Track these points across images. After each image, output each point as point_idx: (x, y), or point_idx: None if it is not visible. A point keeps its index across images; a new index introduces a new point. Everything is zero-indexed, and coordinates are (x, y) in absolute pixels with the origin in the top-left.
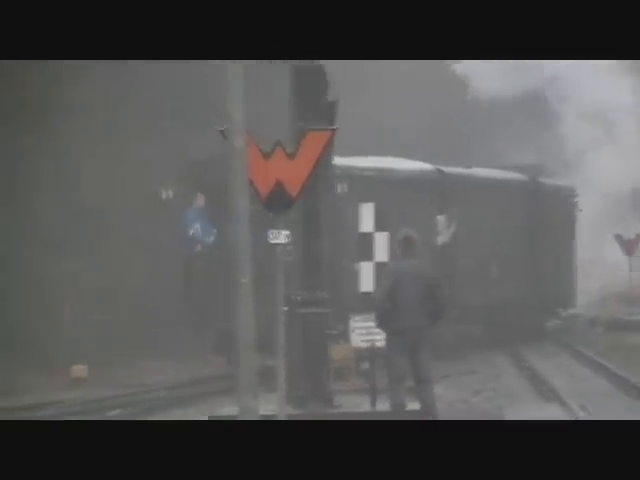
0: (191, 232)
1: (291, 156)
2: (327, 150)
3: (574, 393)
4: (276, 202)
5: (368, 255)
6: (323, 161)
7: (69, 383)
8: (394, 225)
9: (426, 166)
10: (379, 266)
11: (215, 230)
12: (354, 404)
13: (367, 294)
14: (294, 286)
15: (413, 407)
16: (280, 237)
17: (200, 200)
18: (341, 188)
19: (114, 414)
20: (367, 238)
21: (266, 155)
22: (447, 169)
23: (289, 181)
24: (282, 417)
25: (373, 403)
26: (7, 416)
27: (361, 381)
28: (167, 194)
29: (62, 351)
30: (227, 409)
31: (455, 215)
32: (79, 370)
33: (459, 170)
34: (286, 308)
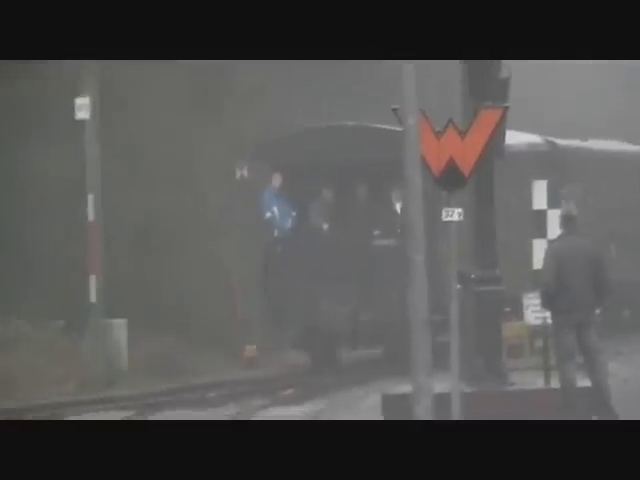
0: (268, 215)
1: (463, 134)
2: (499, 128)
3: None
4: (449, 180)
5: (541, 232)
6: (496, 139)
7: (242, 363)
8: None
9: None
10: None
11: (294, 213)
12: (528, 382)
13: (540, 271)
14: (468, 264)
15: (584, 384)
16: (453, 215)
17: (276, 180)
18: (511, 165)
19: (287, 394)
20: (540, 215)
21: (439, 134)
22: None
23: (462, 159)
24: (456, 395)
25: (547, 381)
26: (182, 396)
27: (535, 359)
28: (242, 173)
29: (236, 332)
30: (401, 387)
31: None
32: (251, 350)
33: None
34: (460, 286)
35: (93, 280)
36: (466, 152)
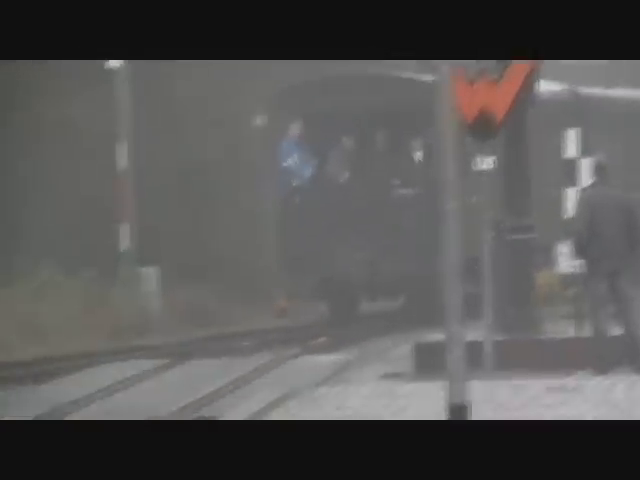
0: (286, 164)
1: (497, 82)
2: (532, 77)
3: None
4: (481, 128)
5: (573, 181)
6: (528, 87)
7: (274, 312)
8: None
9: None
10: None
11: (313, 163)
12: (560, 330)
13: (572, 220)
14: (501, 212)
15: (616, 333)
16: (486, 163)
17: (296, 129)
18: (543, 113)
19: (317, 342)
20: (571, 164)
21: (472, 82)
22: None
23: (494, 107)
24: (488, 344)
25: (578, 329)
26: (215, 345)
27: (567, 307)
28: (260, 121)
29: (268, 284)
30: (434, 336)
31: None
32: (283, 300)
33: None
34: (492, 235)
35: (125, 228)
36: (499, 100)
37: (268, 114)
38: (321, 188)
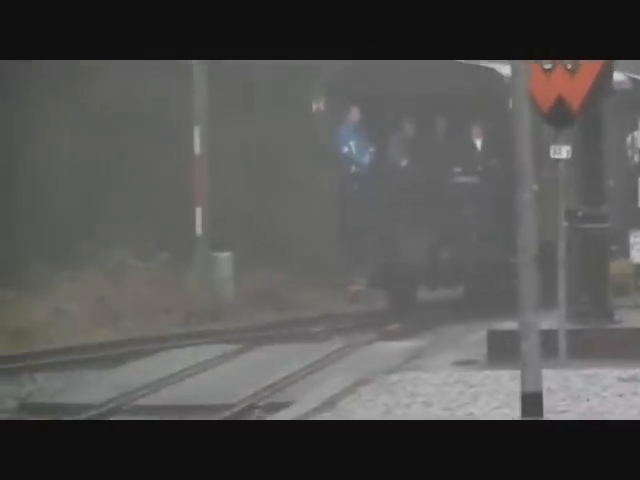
0: (345, 150)
1: (572, 72)
2: (608, 66)
3: None
4: (557, 117)
5: None
6: (604, 76)
7: (346, 298)
8: None
9: None
10: None
11: (372, 149)
12: (633, 320)
13: None
14: (575, 201)
15: None
16: (562, 152)
17: (355, 114)
18: (619, 102)
19: (391, 328)
20: None
21: (548, 71)
22: None
23: (570, 96)
24: (562, 332)
25: None
26: (288, 330)
27: None
28: (318, 106)
29: (339, 269)
30: (507, 324)
31: None
32: (355, 287)
33: None
34: (567, 223)
35: (199, 213)
36: (575, 89)
37: (326, 98)
38: (380, 174)
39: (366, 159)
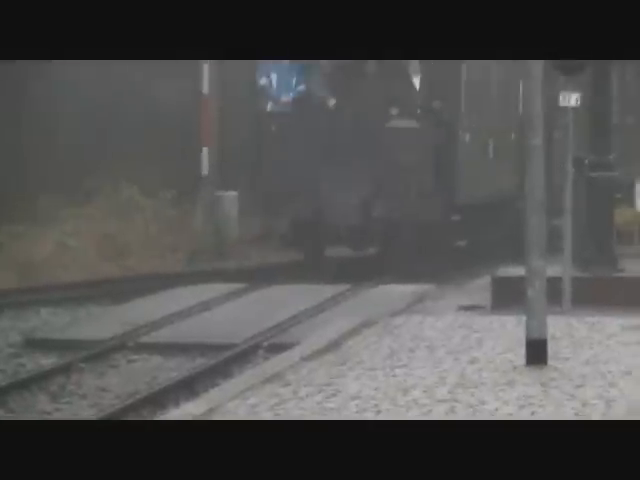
0: (262, 82)
1: None
2: None
3: None
4: (567, 63)
5: None
6: None
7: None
8: None
9: None
10: None
11: (302, 87)
12: (637, 269)
13: None
14: (582, 149)
15: None
16: (571, 100)
17: None
18: None
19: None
20: None
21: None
22: None
23: None
24: (567, 279)
25: None
26: (286, 270)
27: None
28: None
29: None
30: (511, 270)
31: None
32: None
33: None
34: (574, 170)
35: (205, 152)
36: None
37: None
38: (303, 115)
39: (286, 95)
